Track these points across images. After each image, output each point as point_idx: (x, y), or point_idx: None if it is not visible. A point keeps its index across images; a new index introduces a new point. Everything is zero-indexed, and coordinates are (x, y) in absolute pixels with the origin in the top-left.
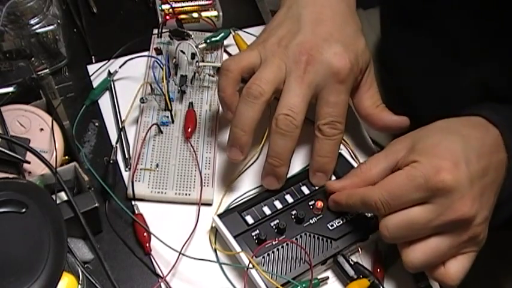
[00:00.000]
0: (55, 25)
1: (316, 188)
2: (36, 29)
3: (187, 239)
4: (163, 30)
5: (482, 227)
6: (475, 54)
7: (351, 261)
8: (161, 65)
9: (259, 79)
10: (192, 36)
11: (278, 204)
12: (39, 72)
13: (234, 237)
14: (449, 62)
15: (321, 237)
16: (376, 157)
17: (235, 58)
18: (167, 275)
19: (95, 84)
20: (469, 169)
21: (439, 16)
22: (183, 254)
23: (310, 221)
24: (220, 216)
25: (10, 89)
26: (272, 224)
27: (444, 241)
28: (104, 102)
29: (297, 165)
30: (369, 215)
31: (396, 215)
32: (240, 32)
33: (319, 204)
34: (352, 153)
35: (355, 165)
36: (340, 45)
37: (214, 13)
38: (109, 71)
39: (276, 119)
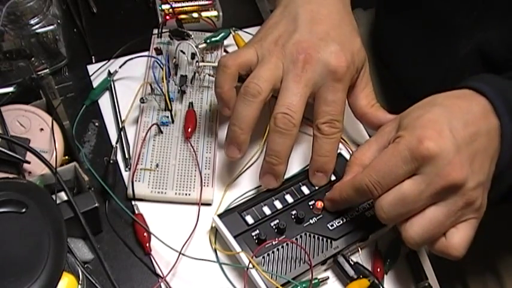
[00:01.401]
0: (55, 25)
1: (316, 188)
2: (36, 29)
3: (187, 239)
4: (163, 30)
5: (477, 192)
6: (467, 25)
7: (351, 261)
8: (161, 65)
9: (257, 77)
10: (192, 36)
11: (278, 204)
12: (39, 72)
13: (234, 237)
14: (443, 39)
15: (321, 237)
16: (367, 142)
17: (232, 55)
18: (167, 275)
19: (95, 84)
20: (454, 136)
21: None
22: (183, 254)
23: (310, 221)
24: (220, 216)
25: (10, 89)
26: (272, 224)
27: (440, 210)
28: (104, 102)
29: (296, 165)
30: (369, 214)
31: (388, 193)
32: (240, 32)
33: (319, 204)
34: (352, 153)
35: None
36: (336, 44)
37: (214, 13)
38: (109, 71)
39: (274, 118)
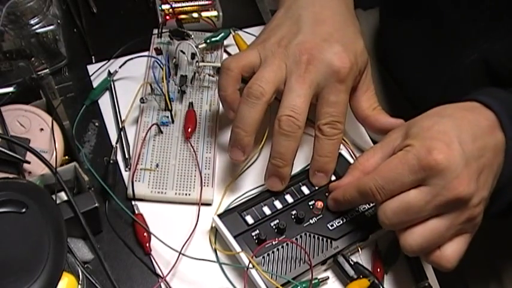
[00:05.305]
0: (55, 25)
1: (316, 188)
2: (36, 29)
3: (187, 239)
4: (163, 30)
5: (480, 208)
6: (473, 35)
7: (351, 261)
8: (161, 65)
9: (260, 79)
10: (192, 36)
11: (278, 204)
12: (39, 72)
13: (234, 237)
14: (448, 47)
15: (321, 237)
16: (372, 148)
17: (235, 57)
18: (167, 275)
19: (95, 84)
20: (463, 149)
21: (435, 2)
22: (183, 254)
23: (310, 221)
24: (220, 216)
25: (10, 89)
26: (272, 224)
27: (442, 222)
28: (104, 102)
29: (297, 165)
30: (369, 214)
31: (393, 200)
32: (240, 32)
33: (319, 204)
34: (352, 153)
35: None
36: (340, 45)
37: (214, 13)
38: (109, 71)
39: (278, 120)
